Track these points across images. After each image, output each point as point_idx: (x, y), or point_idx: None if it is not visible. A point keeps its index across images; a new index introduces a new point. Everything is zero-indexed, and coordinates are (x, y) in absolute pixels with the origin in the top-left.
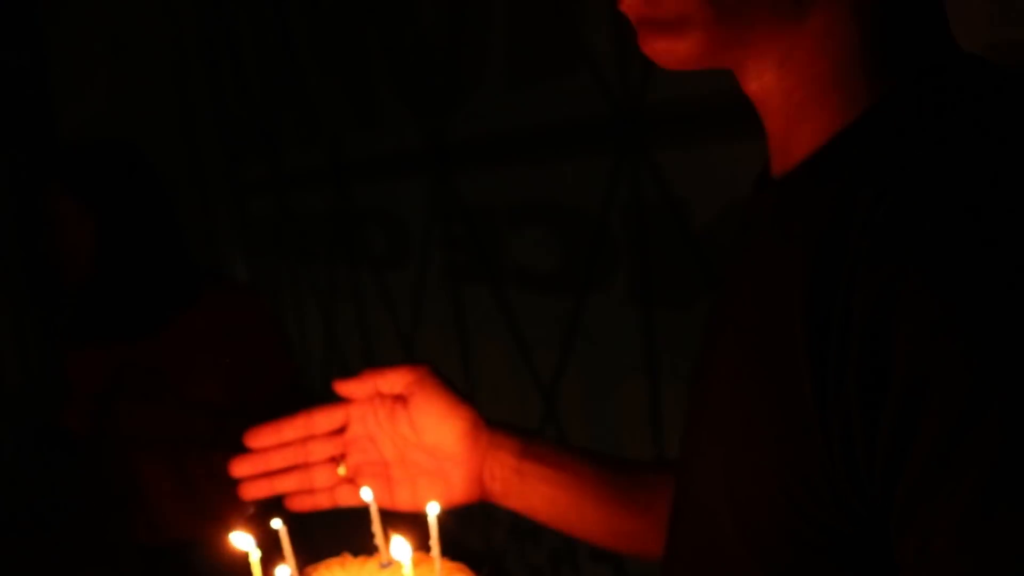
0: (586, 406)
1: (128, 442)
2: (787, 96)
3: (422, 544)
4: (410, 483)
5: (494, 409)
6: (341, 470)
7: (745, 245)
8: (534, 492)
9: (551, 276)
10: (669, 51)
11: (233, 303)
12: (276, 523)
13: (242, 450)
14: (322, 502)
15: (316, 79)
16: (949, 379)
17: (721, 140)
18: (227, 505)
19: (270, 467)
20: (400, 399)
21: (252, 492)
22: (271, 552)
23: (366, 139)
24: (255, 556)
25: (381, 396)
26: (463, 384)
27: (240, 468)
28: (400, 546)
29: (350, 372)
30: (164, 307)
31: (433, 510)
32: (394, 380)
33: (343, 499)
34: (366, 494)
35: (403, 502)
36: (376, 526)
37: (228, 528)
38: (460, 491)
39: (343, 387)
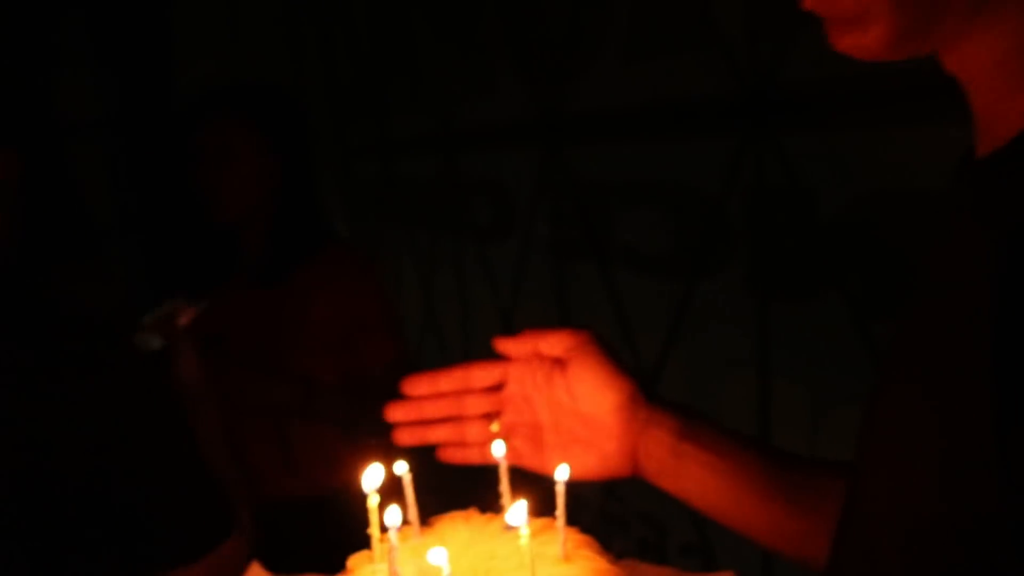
0: (689, 396)
1: (227, 398)
2: (993, 69)
3: (546, 510)
4: (562, 449)
5: None
6: (495, 427)
7: (941, 238)
8: (691, 476)
9: (661, 258)
10: (857, 46)
11: (355, 264)
12: (400, 467)
13: (341, 422)
14: (473, 456)
15: (429, 45)
16: None
17: (855, 127)
18: (324, 474)
19: (424, 416)
20: (559, 363)
21: (405, 438)
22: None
23: (477, 108)
24: (374, 501)
25: (540, 358)
26: None
27: (395, 413)
28: (518, 510)
29: (446, 341)
30: (299, 254)
31: (562, 476)
32: (554, 342)
33: (494, 456)
34: (498, 450)
35: (553, 467)
36: (504, 485)
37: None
38: (613, 464)
39: (503, 345)
